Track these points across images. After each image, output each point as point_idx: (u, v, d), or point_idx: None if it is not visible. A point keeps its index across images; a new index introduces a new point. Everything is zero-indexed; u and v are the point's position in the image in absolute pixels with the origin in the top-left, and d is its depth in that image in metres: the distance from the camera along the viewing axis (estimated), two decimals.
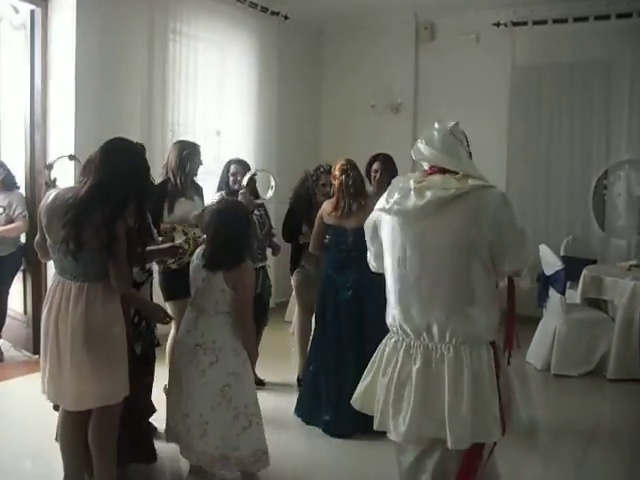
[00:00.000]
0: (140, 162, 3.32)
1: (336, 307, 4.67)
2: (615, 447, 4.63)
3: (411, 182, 2.77)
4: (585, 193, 7.71)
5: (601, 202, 7.70)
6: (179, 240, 4.21)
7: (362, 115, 8.48)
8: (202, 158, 5.01)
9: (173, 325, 4.65)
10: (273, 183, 5.02)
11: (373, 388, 2.92)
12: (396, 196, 2.76)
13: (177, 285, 4.39)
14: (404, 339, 2.80)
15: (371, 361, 2.99)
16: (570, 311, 5.96)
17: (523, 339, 6.18)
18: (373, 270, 3.12)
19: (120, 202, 3.15)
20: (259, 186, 5.39)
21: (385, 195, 2.85)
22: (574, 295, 6.25)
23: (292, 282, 5.64)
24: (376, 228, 2.97)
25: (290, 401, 4.95)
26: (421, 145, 2.83)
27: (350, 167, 4.71)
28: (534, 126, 7.86)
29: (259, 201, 5.07)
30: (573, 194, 7.74)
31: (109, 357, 3.21)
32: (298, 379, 5.47)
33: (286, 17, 7.88)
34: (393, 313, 2.85)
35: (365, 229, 3.07)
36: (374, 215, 2.98)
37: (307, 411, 4.79)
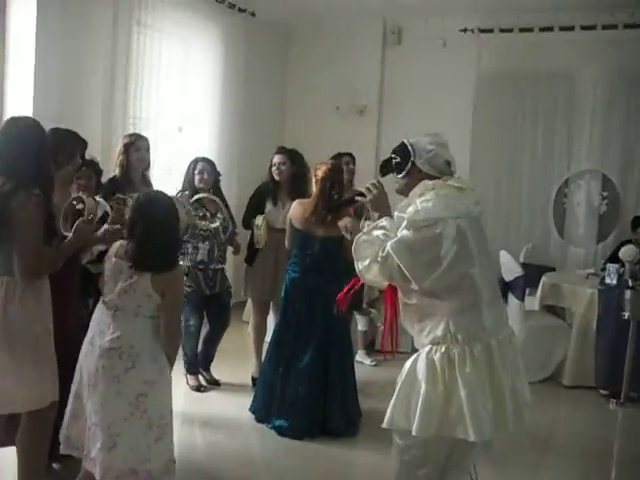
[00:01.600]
0: (30, 136, 3.09)
1: (299, 310, 4.61)
2: (570, 454, 4.66)
3: (453, 187, 2.79)
4: (546, 201, 7.78)
5: (561, 210, 7.78)
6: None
7: (327, 116, 8.44)
8: (147, 150, 4.82)
9: None
10: (220, 215, 5.05)
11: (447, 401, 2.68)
12: (464, 201, 2.76)
13: None
14: (463, 347, 2.67)
15: (429, 385, 2.69)
16: (528, 318, 5.99)
17: None
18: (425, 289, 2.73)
19: (13, 181, 2.96)
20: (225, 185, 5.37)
21: (454, 199, 2.73)
22: (533, 302, 6.29)
23: (244, 280, 5.59)
24: (454, 240, 2.67)
25: (245, 401, 4.90)
26: (447, 154, 2.89)
27: (335, 173, 4.59)
28: (497, 133, 7.91)
29: (205, 226, 5.05)
30: (534, 202, 7.81)
31: (32, 358, 3.01)
32: (253, 379, 5.41)
33: (253, 14, 7.79)
34: (464, 323, 2.70)
35: (430, 245, 2.66)
36: (450, 223, 2.67)
37: (261, 410, 4.74)
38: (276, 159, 5.37)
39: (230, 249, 5.46)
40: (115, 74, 6.12)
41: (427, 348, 2.72)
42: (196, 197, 4.94)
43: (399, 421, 2.74)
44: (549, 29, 7.52)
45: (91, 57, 6.03)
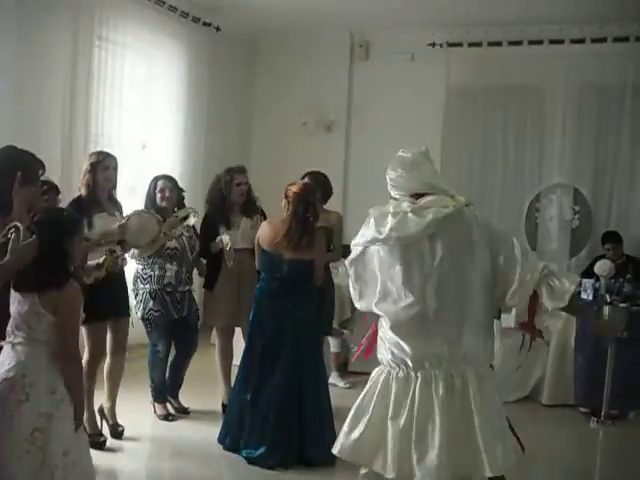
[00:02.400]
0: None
1: (267, 335, 4.43)
2: (552, 474, 4.64)
3: (404, 205, 2.76)
4: (517, 216, 7.74)
5: (533, 225, 7.75)
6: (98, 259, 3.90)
7: (294, 132, 8.31)
8: (115, 169, 4.62)
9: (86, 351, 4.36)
10: (192, 212, 4.91)
11: (373, 436, 2.76)
12: (390, 223, 2.71)
13: (94, 307, 3.82)
14: (408, 373, 2.73)
15: (359, 407, 2.85)
16: (505, 335, 5.85)
17: None
18: (362, 310, 3.00)
19: None
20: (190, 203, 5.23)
21: (371, 226, 2.78)
22: (508, 319, 6.16)
23: (205, 307, 5.40)
24: (365, 264, 2.87)
25: (215, 429, 4.69)
26: (408, 175, 2.87)
27: (308, 194, 4.43)
28: (467, 149, 7.89)
29: (181, 229, 4.92)
30: (505, 217, 7.71)
31: None
32: (223, 405, 5.21)
33: (218, 29, 7.67)
34: (400, 346, 2.76)
35: (349, 267, 2.94)
36: (359, 250, 2.88)
37: (230, 438, 4.54)
38: (240, 178, 5.19)
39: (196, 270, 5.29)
40: (76, 91, 5.99)
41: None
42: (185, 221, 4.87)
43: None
44: (518, 43, 7.54)
45: (50, 74, 5.88)
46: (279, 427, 4.32)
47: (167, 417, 5.06)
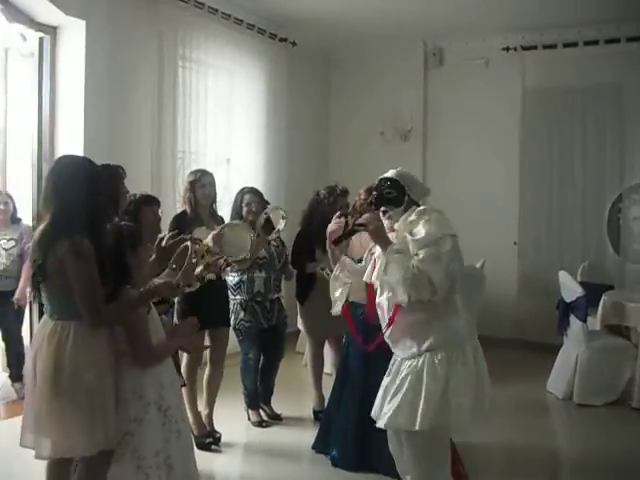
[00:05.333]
0: (81, 178, 2.99)
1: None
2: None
3: None
4: (599, 217, 7.60)
5: (616, 226, 7.59)
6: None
7: (371, 142, 8.38)
8: (213, 186, 4.84)
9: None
10: (283, 213, 4.89)
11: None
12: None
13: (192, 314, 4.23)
14: (456, 350, 3.13)
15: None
16: (592, 338, 5.81)
17: (542, 367, 6.14)
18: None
19: (65, 223, 2.89)
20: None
21: (445, 221, 3.14)
22: (593, 322, 6.11)
23: (300, 317, 5.49)
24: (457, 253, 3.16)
25: (306, 434, 4.81)
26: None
27: None
28: (546, 151, 7.79)
29: (274, 234, 4.97)
30: (587, 219, 7.63)
31: (82, 405, 2.88)
32: (314, 412, 5.32)
33: (294, 43, 7.83)
34: (453, 329, 3.16)
35: (448, 257, 3.08)
36: (448, 239, 3.09)
37: (321, 441, 4.62)
38: (343, 202, 5.18)
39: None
40: (162, 109, 6.19)
41: (428, 355, 3.09)
42: (264, 215, 4.90)
43: (402, 422, 3.08)
44: (594, 42, 7.43)
45: (139, 94, 6.10)
46: (359, 428, 4.29)
47: (261, 423, 5.16)
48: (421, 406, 3.02)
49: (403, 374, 3.14)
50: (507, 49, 7.84)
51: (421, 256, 2.99)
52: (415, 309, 3.08)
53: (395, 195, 3.24)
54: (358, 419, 4.25)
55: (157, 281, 3.24)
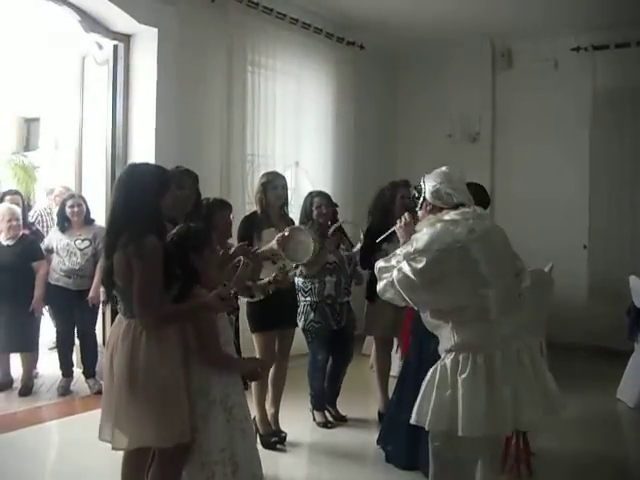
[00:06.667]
0: (148, 182, 3.10)
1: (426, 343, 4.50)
2: None
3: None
4: None
5: None
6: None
7: (439, 144, 8.32)
8: (285, 188, 4.91)
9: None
10: (362, 237, 5.05)
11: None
12: (453, 233, 3.07)
13: (265, 316, 4.47)
14: (467, 356, 3.08)
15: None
16: None
17: (612, 374, 6.01)
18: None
19: (133, 224, 3.00)
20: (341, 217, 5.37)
21: (435, 236, 3.07)
22: None
23: (366, 316, 5.46)
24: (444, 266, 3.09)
25: (371, 436, 4.81)
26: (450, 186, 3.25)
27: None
28: (617, 153, 7.63)
29: (349, 254, 5.12)
30: None
31: (157, 400, 2.99)
32: (379, 414, 5.34)
33: (362, 47, 7.87)
34: (469, 335, 3.09)
35: (423, 274, 3.08)
36: (434, 255, 3.07)
37: (382, 439, 4.64)
38: (404, 192, 5.13)
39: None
40: (232, 114, 6.32)
41: (442, 355, 3.17)
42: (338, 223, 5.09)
43: (423, 418, 3.13)
44: None
45: (208, 98, 6.25)
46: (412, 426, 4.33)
47: (326, 424, 5.20)
48: (431, 407, 3.09)
49: (431, 370, 3.20)
50: (577, 49, 7.72)
51: (398, 271, 3.06)
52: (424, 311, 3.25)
53: (416, 196, 3.37)
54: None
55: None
